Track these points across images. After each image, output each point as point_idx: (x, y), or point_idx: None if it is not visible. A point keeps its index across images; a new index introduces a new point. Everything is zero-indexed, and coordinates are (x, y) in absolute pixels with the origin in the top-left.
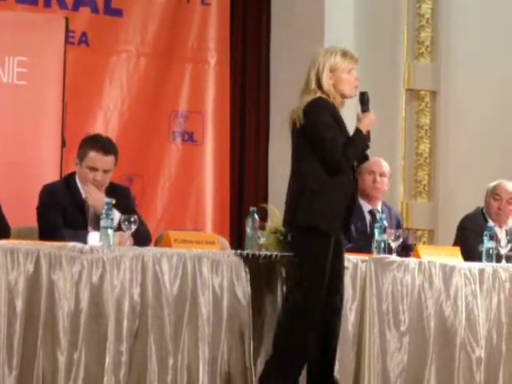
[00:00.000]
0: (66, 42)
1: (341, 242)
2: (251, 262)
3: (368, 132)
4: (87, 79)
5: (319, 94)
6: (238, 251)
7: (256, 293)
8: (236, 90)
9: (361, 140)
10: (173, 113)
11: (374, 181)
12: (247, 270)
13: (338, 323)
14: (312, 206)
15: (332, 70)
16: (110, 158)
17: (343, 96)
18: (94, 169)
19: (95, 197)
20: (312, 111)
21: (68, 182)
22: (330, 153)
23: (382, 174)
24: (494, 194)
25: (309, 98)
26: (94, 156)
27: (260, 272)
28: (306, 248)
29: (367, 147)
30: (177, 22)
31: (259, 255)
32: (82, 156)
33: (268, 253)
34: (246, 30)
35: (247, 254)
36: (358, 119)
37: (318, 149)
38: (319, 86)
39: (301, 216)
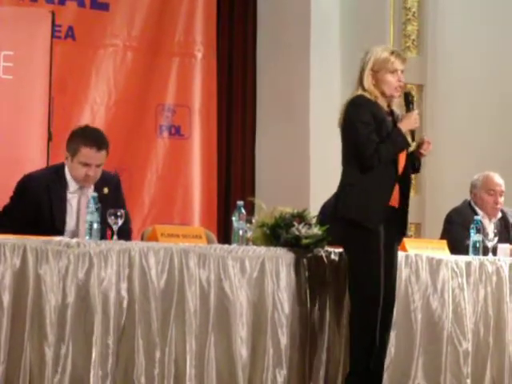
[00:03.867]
0: (53, 36)
1: (390, 235)
2: (238, 255)
3: (412, 131)
4: (74, 73)
5: (360, 91)
6: (225, 245)
7: (243, 286)
8: (223, 83)
9: (396, 138)
10: (159, 107)
11: None
12: (234, 263)
13: (390, 316)
14: (348, 199)
15: (375, 70)
16: (103, 153)
17: (384, 96)
18: (87, 164)
19: None
20: (350, 108)
21: (57, 172)
22: (362, 149)
23: None
24: (487, 189)
25: (351, 97)
26: (87, 152)
27: (247, 266)
28: (348, 240)
29: (404, 146)
30: (163, 16)
31: (246, 249)
32: (73, 151)
33: (255, 246)
34: (233, 23)
35: (234, 248)
36: (400, 119)
37: (353, 145)
38: (362, 84)
39: (339, 209)
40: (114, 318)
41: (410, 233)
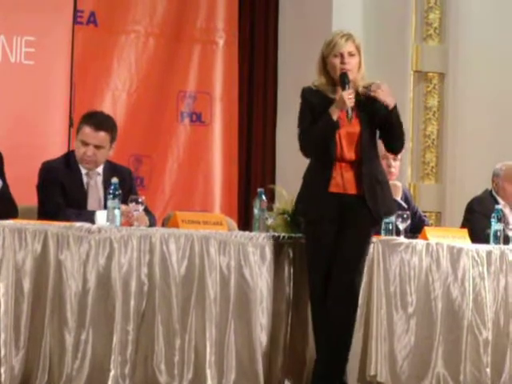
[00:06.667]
0: (75, 21)
1: (343, 228)
2: (259, 242)
3: (346, 111)
4: (95, 59)
5: (315, 81)
6: (246, 232)
7: (263, 273)
8: (244, 70)
9: (322, 120)
10: (181, 93)
11: (389, 166)
12: (255, 250)
13: (337, 312)
14: (298, 194)
15: (324, 56)
16: (102, 134)
17: (334, 79)
18: (85, 143)
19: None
20: None
21: (68, 158)
22: (299, 139)
23: (395, 159)
24: (510, 178)
25: None
26: (86, 131)
27: (268, 253)
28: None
29: (330, 128)
30: (185, 3)
31: (267, 236)
32: (77, 131)
33: (275, 234)
34: (255, 10)
35: (255, 235)
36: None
37: None
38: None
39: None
40: (134, 305)
41: (430, 221)
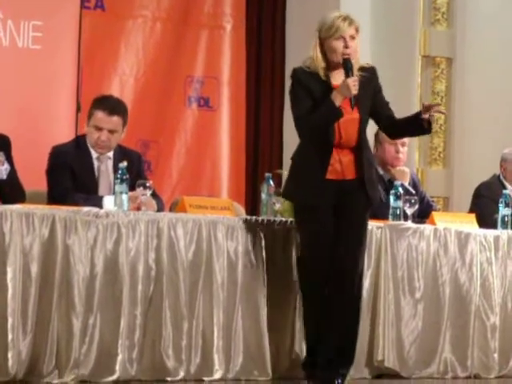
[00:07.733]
0: (82, 6)
1: (341, 213)
2: (266, 227)
3: (350, 98)
4: (103, 44)
5: (308, 61)
6: (253, 217)
7: (271, 258)
8: (251, 55)
9: (325, 107)
10: (188, 78)
11: (397, 151)
12: (262, 235)
13: (341, 299)
14: (288, 177)
15: (322, 37)
16: (116, 119)
17: (333, 65)
18: (99, 128)
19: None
20: (291, 81)
21: (78, 143)
22: (297, 125)
23: (403, 144)
24: None
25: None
26: (99, 115)
27: (275, 238)
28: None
29: (334, 116)
30: None
31: (274, 221)
32: (89, 116)
33: (283, 219)
34: None
35: (262, 220)
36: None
37: None
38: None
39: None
40: (141, 289)
41: (438, 206)
